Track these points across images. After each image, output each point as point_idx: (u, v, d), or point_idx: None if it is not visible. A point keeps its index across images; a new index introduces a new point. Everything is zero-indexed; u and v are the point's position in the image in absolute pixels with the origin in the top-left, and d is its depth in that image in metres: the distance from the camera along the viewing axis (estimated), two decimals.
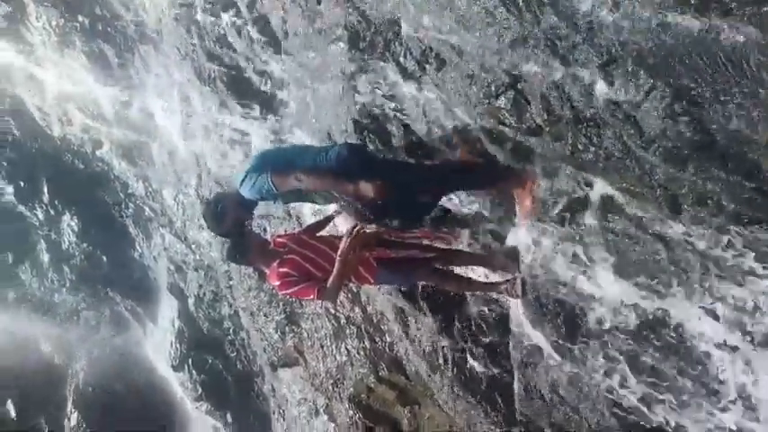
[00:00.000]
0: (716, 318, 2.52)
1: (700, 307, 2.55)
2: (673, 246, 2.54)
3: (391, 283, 3.25)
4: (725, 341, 2.50)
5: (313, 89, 4.54)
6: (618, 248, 2.77)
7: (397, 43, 3.50)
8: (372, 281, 3.13)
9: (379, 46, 3.64)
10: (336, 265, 2.79)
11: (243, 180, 2.88)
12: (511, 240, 3.39)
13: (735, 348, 2.46)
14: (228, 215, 2.92)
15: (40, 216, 9.35)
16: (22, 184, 9.23)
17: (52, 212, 9.27)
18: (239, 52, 5.24)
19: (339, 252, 2.77)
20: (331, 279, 2.80)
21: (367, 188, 2.68)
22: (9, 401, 9.50)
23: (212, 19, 5.32)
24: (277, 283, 2.92)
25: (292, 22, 4.46)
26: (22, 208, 9.38)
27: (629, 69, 2.26)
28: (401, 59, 3.52)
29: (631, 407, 2.95)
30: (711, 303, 2.51)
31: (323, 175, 2.74)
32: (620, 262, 2.79)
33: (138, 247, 9.10)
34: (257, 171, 2.84)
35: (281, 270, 2.89)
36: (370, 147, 4.00)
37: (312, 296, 2.86)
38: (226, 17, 5.19)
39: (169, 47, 6.19)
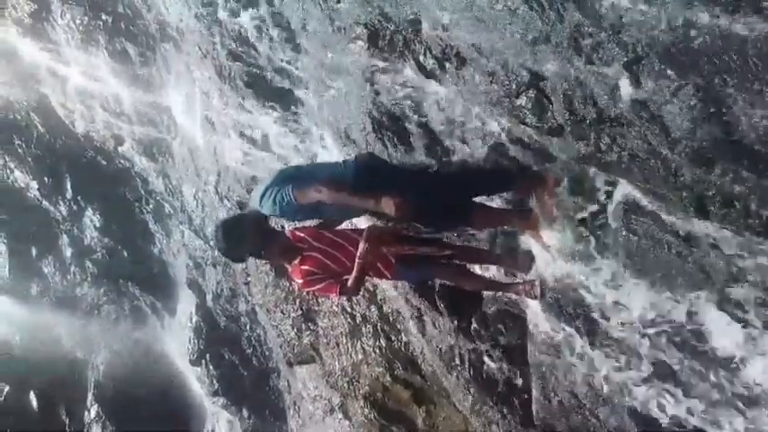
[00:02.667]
0: (741, 322, 2.46)
1: (725, 311, 2.50)
2: (697, 249, 2.49)
3: (408, 279, 3.21)
4: (751, 346, 2.44)
5: (332, 87, 4.55)
6: (640, 250, 2.72)
7: (417, 42, 3.49)
8: (389, 276, 3.13)
9: (399, 44, 3.63)
10: (356, 266, 2.78)
11: (263, 196, 2.85)
12: (529, 238, 3.35)
13: (762, 354, 2.40)
14: (247, 243, 2.84)
15: (63, 211, 9.52)
16: (45, 179, 9.40)
17: (75, 208, 9.44)
18: (259, 51, 5.27)
19: (358, 254, 2.76)
20: (351, 279, 2.80)
21: (388, 204, 2.64)
22: (32, 393, 9.70)
23: (233, 18, 5.36)
24: (300, 281, 2.93)
25: (312, 21, 4.47)
26: (45, 203, 9.57)
27: (656, 68, 2.21)
28: (421, 58, 3.50)
29: (652, 411, 2.90)
30: (737, 308, 2.45)
31: (343, 188, 2.71)
32: (642, 264, 2.74)
33: (157, 243, 9.22)
34: (277, 185, 2.83)
35: (303, 268, 2.90)
36: (389, 145, 3.99)
37: (334, 293, 2.87)
38: (246, 16, 5.23)
39: (190, 45, 6.25)
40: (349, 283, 2.80)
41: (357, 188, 2.76)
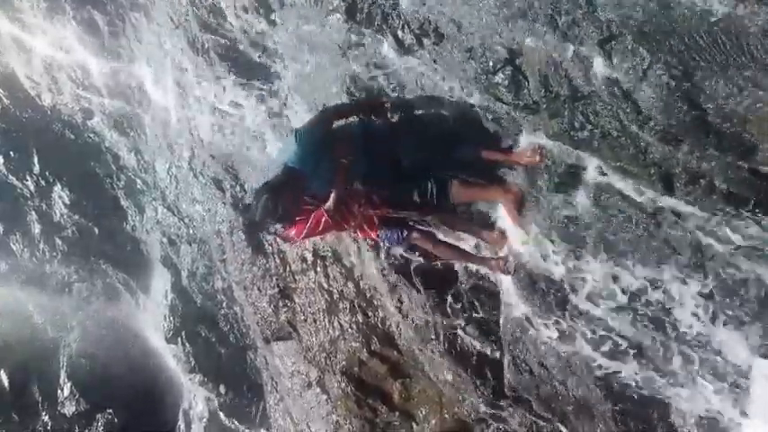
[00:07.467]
0: (705, 296, 2.56)
1: (689, 285, 2.60)
2: (664, 224, 2.57)
3: (390, 241, 3.46)
4: (713, 318, 2.55)
5: (308, 61, 4.48)
6: (609, 226, 2.79)
7: (395, 16, 3.45)
8: (375, 236, 3.43)
9: (377, 18, 3.59)
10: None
11: (296, 135, 3.06)
12: (503, 215, 3.40)
13: (723, 323, 2.51)
14: (280, 204, 2.93)
15: (31, 187, 9.24)
16: (11, 154, 9.09)
17: (43, 183, 9.17)
18: (233, 23, 5.14)
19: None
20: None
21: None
22: (2, 372, 9.55)
23: None
24: (293, 232, 3.12)
25: None
26: (12, 179, 9.26)
27: (629, 46, 2.25)
28: (399, 33, 3.47)
29: (617, 380, 3.02)
30: (700, 281, 2.55)
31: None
32: (610, 239, 2.82)
33: (130, 220, 9.04)
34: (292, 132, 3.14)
35: (300, 218, 3.10)
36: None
37: (323, 219, 3.05)
38: None
39: (161, 15, 6.06)
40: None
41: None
